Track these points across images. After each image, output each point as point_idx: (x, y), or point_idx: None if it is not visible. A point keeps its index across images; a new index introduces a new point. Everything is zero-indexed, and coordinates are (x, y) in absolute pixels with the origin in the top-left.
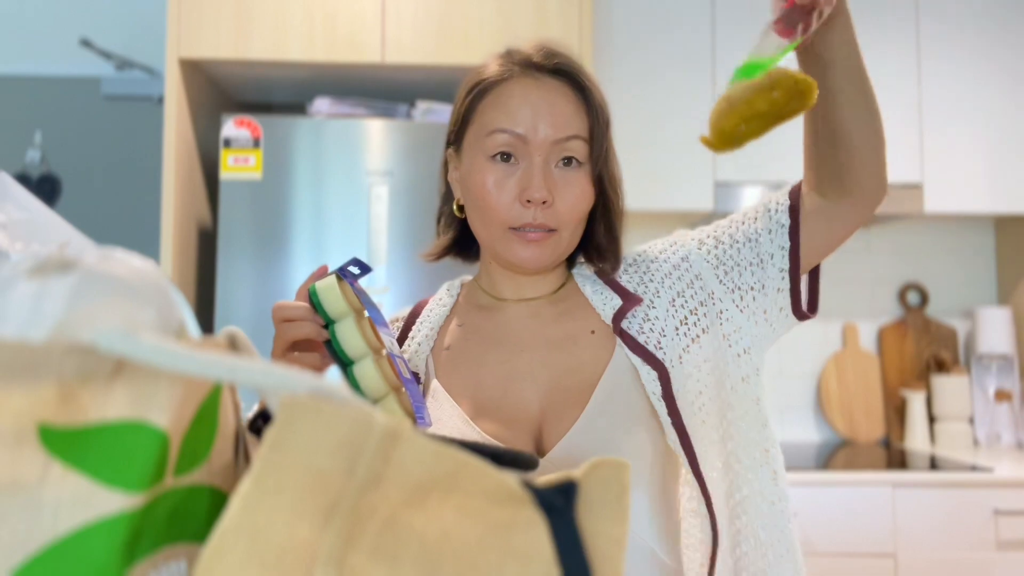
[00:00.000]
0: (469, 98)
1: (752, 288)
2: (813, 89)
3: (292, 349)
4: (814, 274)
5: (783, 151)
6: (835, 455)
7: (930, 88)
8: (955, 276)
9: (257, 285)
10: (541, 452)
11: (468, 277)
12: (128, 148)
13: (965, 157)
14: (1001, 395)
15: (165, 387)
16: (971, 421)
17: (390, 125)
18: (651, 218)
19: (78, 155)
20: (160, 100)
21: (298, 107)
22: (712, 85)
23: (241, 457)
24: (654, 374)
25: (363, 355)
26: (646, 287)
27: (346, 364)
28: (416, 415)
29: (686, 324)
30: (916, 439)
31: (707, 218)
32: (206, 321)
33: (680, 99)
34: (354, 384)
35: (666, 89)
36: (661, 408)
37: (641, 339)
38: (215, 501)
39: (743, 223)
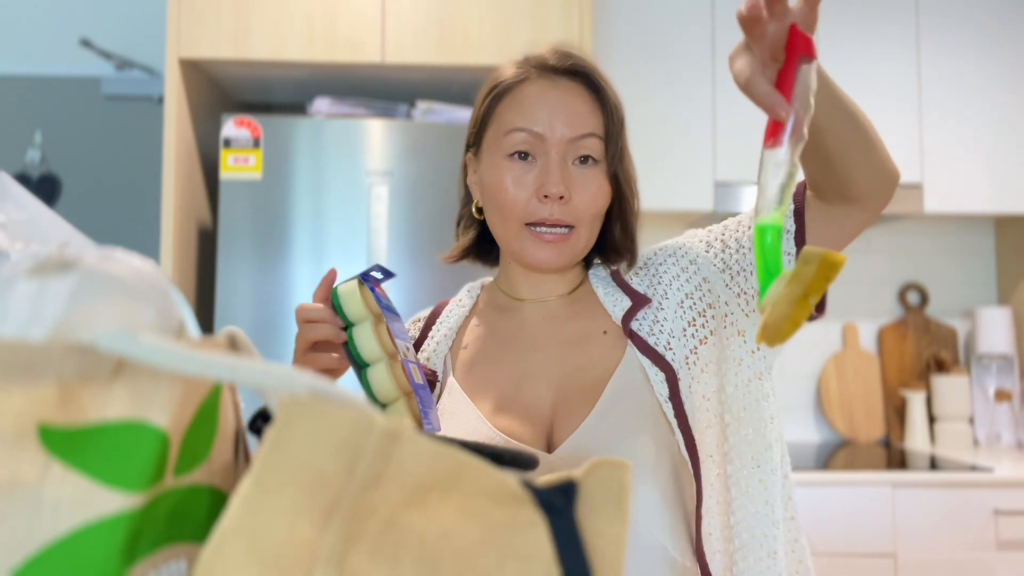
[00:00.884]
0: (487, 101)
1: (758, 292)
2: (842, 261)
3: (312, 349)
4: None
5: None
6: (835, 455)
7: (930, 88)
8: (955, 276)
9: (257, 285)
10: (551, 449)
11: (488, 279)
12: (128, 148)
13: (965, 157)
14: (1001, 395)
15: (165, 387)
16: (971, 421)
17: (390, 125)
18: (651, 218)
19: (78, 155)
20: (160, 100)
21: (298, 107)
22: (712, 85)
23: (241, 457)
24: (662, 375)
25: (377, 359)
26: (655, 289)
27: (361, 367)
28: (423, 420)
29: (694, 326)
30: (916, 439)
31: (707, 218)
32: (206, 321)
33: (680, 99)
34: (367, 386)
35: (666, 89)
36: (668, 409)
37: (651, 340)
38: (215, 501)
39: (749, 227)
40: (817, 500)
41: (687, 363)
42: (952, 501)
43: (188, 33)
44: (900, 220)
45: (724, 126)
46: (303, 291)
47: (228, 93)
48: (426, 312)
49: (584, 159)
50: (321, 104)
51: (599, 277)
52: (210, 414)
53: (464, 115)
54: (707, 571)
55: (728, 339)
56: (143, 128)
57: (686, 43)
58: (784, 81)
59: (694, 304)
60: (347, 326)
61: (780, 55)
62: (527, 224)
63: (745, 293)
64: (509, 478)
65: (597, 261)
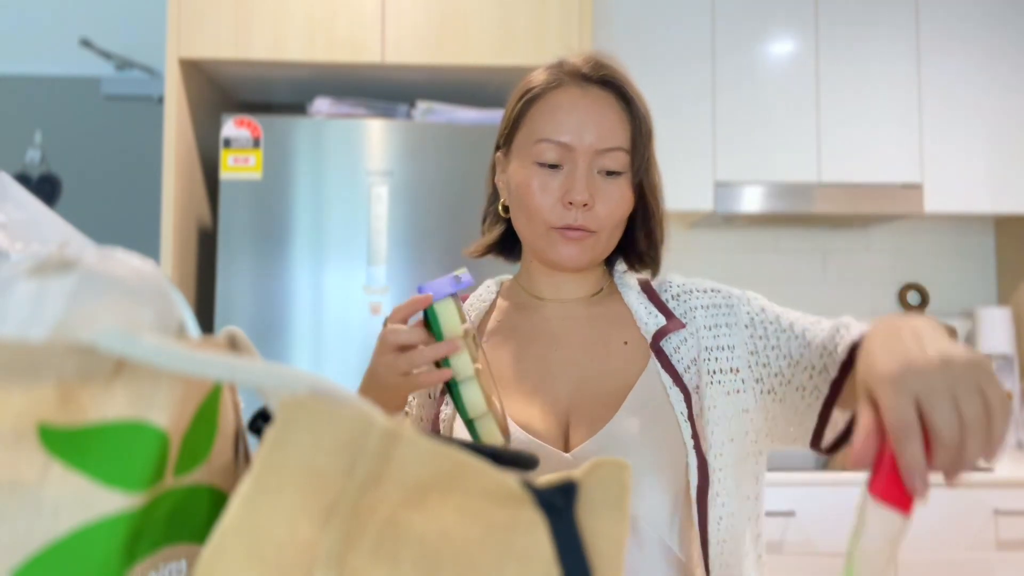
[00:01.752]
0: (519, 104)
1: (777, 393)
2: None
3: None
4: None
5: (783, 151)
6: (835, 455)
7: (930, 88)
8: (955, 276)
9: (257, 285)
10: (568, 448)
11: (507, 276)
12: (128, 148)
13: (965, 157)
14: None
15: (165, 387)
16: None
17: (390, 125)
18: None
19: (78, 155)
20: (160, 100)
21: (298, 107)
22: (712, 85)
23: (241, 457)
24: (681, 395)
25: (470, 378)
26: (687, 321)
27: (452, 383)
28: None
29: (710, 372)
30: None
31: (707, 218)
32: (206, 321)
33: (680, 99)
34: (458, 402)
35: (666, 89)
36: (686, 429)
37: (674, 360)
38: (215, 501)
39: (796, 338)
40: (817, 500)
41: (698, 391)
42: (952, 501)
43: (188, 33)
44: (900, 220)
45: (724, 126)
46: (303, 291)
47: (228, 93)
48: None
49: (609, 172)
50: (321, 104)
51: (629, 286)
52: (210, 414)
53: (464, 115)
54: None
55: (727, 396)
56: (143, 128)
57: (686, 43)
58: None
59: (715, 357)
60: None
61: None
62: (552, 228)
63: (765, 390)
64: (509, 478)
65: (624, 269)
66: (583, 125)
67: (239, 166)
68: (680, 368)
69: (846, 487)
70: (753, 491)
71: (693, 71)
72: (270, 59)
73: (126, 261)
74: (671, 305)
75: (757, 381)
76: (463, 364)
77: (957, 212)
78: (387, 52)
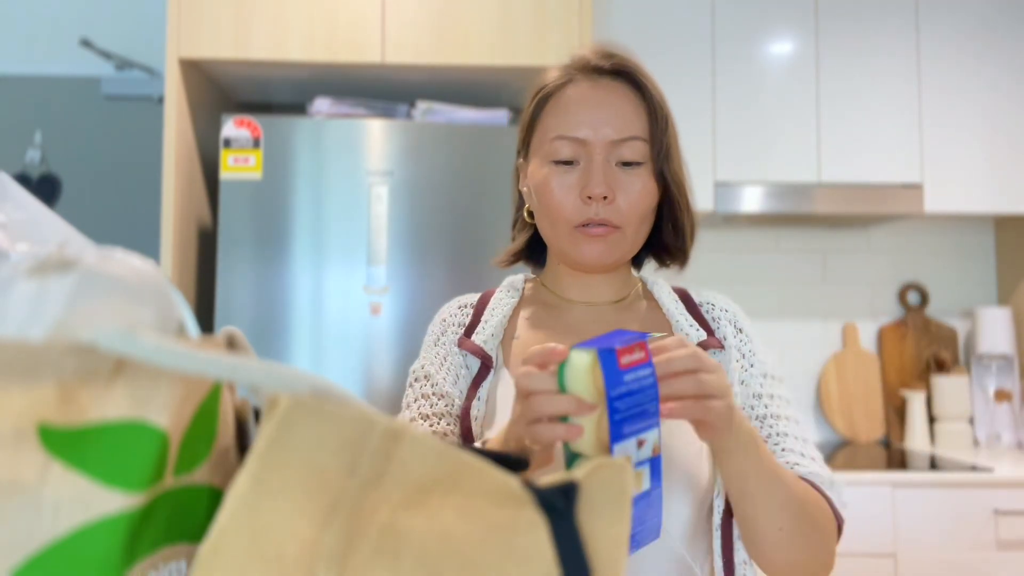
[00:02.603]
0: (532, 107)
1: None
2: None
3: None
4: None
5: (783, 151)
6: (835, 455)
7: (930, 88)
8: (955, 276)
9: (257, 285)
10: None
11: (529, 275)
12: (128, 148)
13: (965, 157)
14: (1001, 395)
15: (165, 387)
16: (971, 421)
17: (390, 125)
18: None
19: (78, 155)
20: (160, 100)
21: (298, 107)
22: (712, 85)
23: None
24: None
25: (584, 456)
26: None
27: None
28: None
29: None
30: (916, 439)
31: (707, 218)
32: (206, 321)
33: (680, 99)
34: (569, 465)
35: (666, 89)
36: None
37: None
38: (215, 501)
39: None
40: None
41: None
42: (952, 501)
43: (188, 33)
44: (900, 220)
45: (724, 126)
46: (303, 291)
47: (228, 93)
48: (472, 298)
49: (628, 163)
50: (321, 104)
51: (665, 292)
52: (210, 414)
53: (464, 115)
54: None
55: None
56: (143, 128)
57: (686, 43)
58: None
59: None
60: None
61: None
62: (576, 227)
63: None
64: (510, 479)
65: (654, 269)
66: (596, 117)
67: (239, 166)
68: None
69: (846, 487)
70: None
71: (693, 71)
72: (270, 59)
73: (126, 261)
74: (712, 326)
75: None
76: (585, 435)
77: (957, 212)
78: (387, 52)
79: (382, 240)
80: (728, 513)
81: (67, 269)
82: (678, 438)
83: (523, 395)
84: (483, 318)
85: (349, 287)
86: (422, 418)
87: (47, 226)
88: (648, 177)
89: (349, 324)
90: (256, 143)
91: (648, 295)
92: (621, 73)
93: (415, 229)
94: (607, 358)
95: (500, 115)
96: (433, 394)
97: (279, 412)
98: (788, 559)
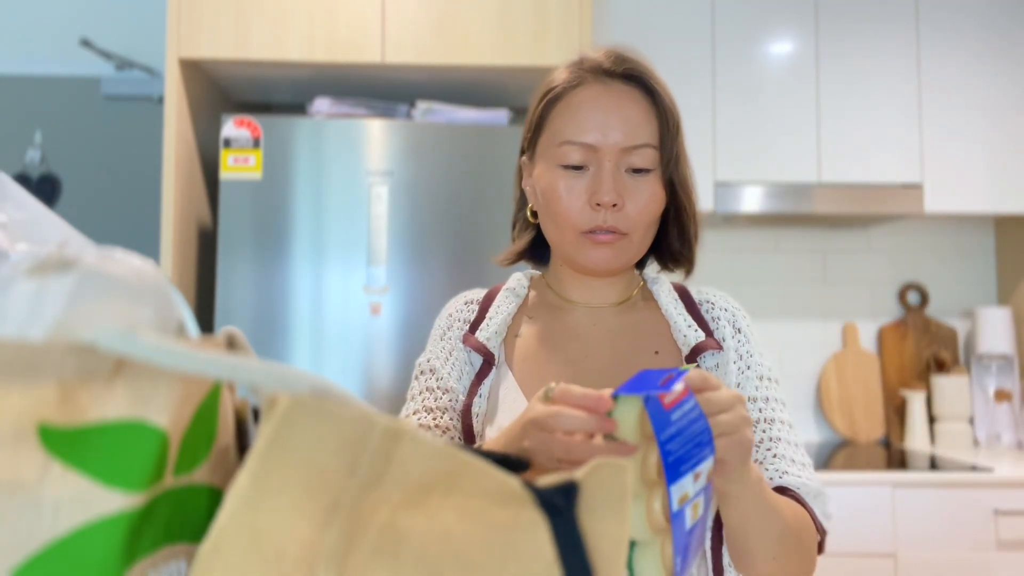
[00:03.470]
0: (541, 106)
1: None
2: None
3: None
4: None
5: (783, 151)
6: (835, 455)
7: (930, 88)
8: (955, 276)
9: (257, 285)
10: None
11: (532, 272)
12: (128, 148)
13: (965, 157)
14: (1001, 395)
15: (165, 387)
16: (971, 421)
17: (390, 125)
18: None
19: (78, 155)
20: (160, 100)
21: (298, 107)
22: (712, 85)
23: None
24: None
25: (636, 495)
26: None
27: None
28: (676, 557)
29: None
30: (916, 439)
31: (707, 218)
32: (206, 321)
33: (679, 99)
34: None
35: None
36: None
37: None
38: (215, 501)
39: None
40: None
41: None
42: (952, 501)
43: (188, 33)
44: (900, 220)
45: (724, 126)
46: (303, 291)
47: (228, 93)
48: (478, 294)
49: (638, 170)
50: (321, 104)
51: (663, 293)
52: (210, 414)
53: (464, 115)
54: None
55: None
56: (143, 128)
57: (686, 43)
58: None
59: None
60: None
61: None
62: (582, 232)
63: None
64: (510, 478)
65: (656, 270)
66: (607, 123)
67: (239, 166)
68: None
69: (846, 487)
70: None
71: (693, 71)
72: (270, 59)
73: (126, 261)
74: (712, 326)
75: None
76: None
77: (957, 212)
78: (387, 52)
79: (382, 240)
80: (718, 531)
81: (67, 269)
82: None
83: (545, 428)
84: (487, 315)
85: (349, 287)
86: (426, 411)
87: (47, 226)
88: (656, 184)
89: (349, 324)
90: (256, 143)
91: (649, 295)
92: (633, 77)
93: (415, 229)
94: (653, 405)
95: (500, 115)
96: (438, 388)
97: (279, 411)
98: (778, 572)
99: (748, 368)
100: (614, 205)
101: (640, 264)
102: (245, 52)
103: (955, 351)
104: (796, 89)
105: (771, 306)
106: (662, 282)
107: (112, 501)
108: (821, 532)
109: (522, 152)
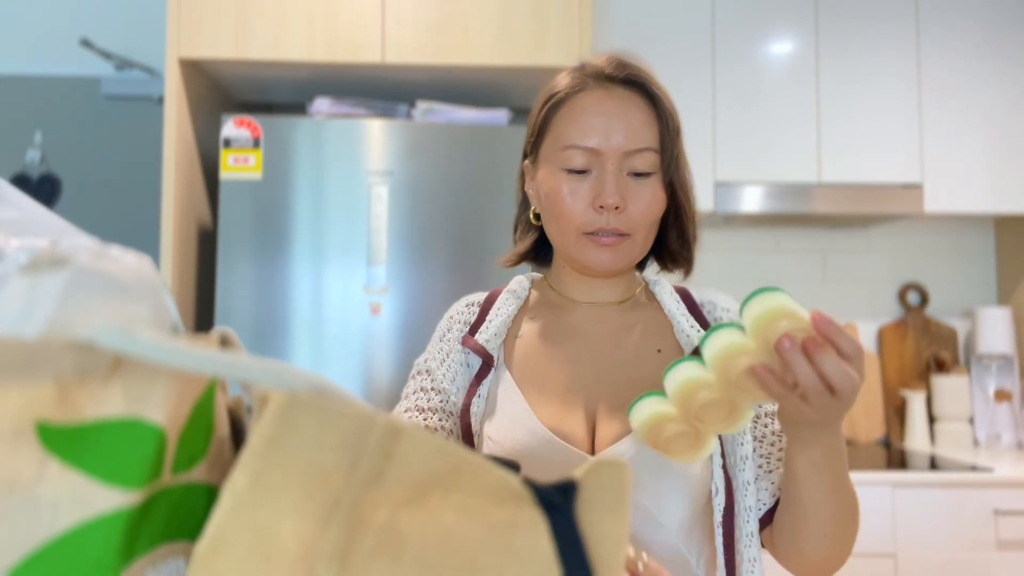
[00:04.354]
0: (544, 111)
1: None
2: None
3: None
4: None
5: (783, 151)
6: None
7: (930, 88)
8: (955, 276)
9: (257, 285)
10: (593, 452)
11: (533, 274)
12: (128, 148)
13: (965, 157)
14: (1001, 395)
15: (162, 385)
16: (971, 421)
17: (390, 125)
18: None
19: (78, 155)
20: (160, 100)
21: (298, 107)
22: (712, 85)
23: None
24: None
25: None
26: None
27: None
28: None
29: None
30: (916, 439)
31: (707, 218)
32: (206, 321)
33: (680, 99)
34: None
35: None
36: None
37: None
38: (213, 499)
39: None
40: None
41: None
42: (952, 501)
43: (188, 33)
44: (900, 220)
45: (724, 126)
46: (303, 291)
47: (228, 93)
48: (479, 297)
49: (639, 174)
50: (321, 104)
51: (668, 293)
52: (206, 412)
53: (464, 115)
54: None
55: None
56: (143, 128)
57: (686, 43)
58: None
59: None
60: None
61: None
62: (585, 234)
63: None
64: (510, 476)
65: (656, 271)
66: (610, 127)
67: (239, 166)
68: None
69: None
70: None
71: (693, 71)
72: (270, 59)
73: (121, 258)
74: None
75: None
76: None
77: (957, 212)
78: (387, 52)
79: (382, 240)
80: (729, 512)
81: (60, 266)
82: None
83: None
84: (488, 317)
85: (349, 287)
86: (417, 411)
87: (43, 225)
88: (657, 186)
89: (349, 324)
90: (256, 143)
91: (650, 296)
92: (634, 83)
93: (415, 229)
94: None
95: (500, 115)
96: (431, 388)
97: (278, 409)
98: (823, 558)
99: None
100: (616, 207)
101: (640, 266)
102: (245, 52)
103: (955, 351)
104: (796, 89)
105: None
106: (663, 283)
107: (110, 499)
108: None
109: (524, 156)
